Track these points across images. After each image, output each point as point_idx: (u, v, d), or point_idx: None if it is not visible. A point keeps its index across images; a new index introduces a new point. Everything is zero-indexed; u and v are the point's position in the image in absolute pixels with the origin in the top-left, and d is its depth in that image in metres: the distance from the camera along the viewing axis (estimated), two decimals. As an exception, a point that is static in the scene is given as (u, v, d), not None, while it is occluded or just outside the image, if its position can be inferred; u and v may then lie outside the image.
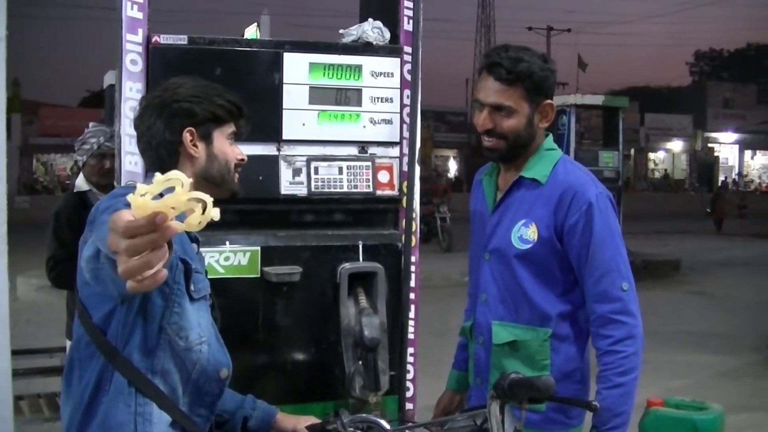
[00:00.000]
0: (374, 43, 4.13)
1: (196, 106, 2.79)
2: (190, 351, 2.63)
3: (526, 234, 3.23)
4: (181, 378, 2.66)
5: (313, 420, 3.15)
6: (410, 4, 4.20)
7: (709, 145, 62.96)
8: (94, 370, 2.61)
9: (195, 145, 2.80)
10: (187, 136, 2.78)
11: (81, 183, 5.69)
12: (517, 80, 3.16)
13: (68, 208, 5.41)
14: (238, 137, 2.96)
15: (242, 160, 2.97)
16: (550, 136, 3.37)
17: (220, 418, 2.99)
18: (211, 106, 2.81)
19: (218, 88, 2.89)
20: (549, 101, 3.24)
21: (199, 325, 2.68)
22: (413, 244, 4.15)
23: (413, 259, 4.17)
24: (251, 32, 4.31)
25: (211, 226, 3.80)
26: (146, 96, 2.91)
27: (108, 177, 5.54)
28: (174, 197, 1.81)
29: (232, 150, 2.92)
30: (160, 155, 2.80)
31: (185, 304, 2.62)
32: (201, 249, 3.82)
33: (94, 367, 2.60)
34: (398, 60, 4.17)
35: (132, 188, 2.32)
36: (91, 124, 5.86)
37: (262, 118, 3.95)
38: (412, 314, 4.20)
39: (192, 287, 2.65)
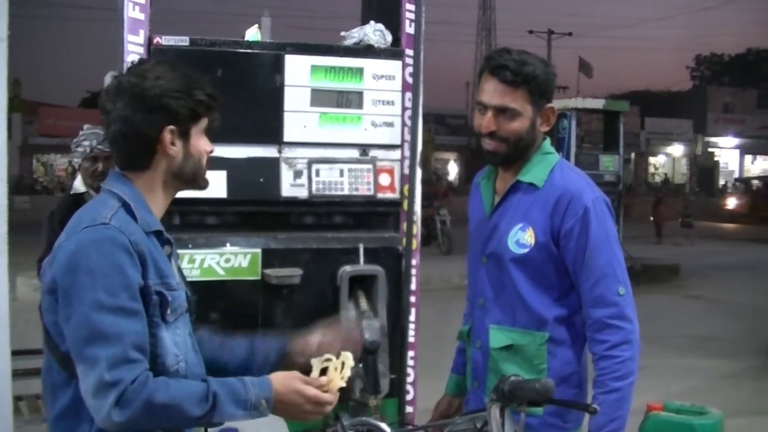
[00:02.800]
0: (376, 45, 4.14)
1: (177, 103, 2.62)
2: (167, 373, 2.57)
3: (522, 238, 3.22)
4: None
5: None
6: (412, 7, 4.20)
7: (710, 149, 62.94)
8: (67, 396, 2.56)
9: (173, 144, 2.65)
10: (166, 135, 2.62)
11: (78, 185, 5.66)
12: (522, 82, 3.14)
13: (62, 210, 5.36)
14: (209, 130, 2.80)
15: (211, 151, 2.81)
16: (548, 140, 3.36)
17: (235, 371, 2.88)
18: (192, 103, 2.66)
19: (197, 79, 2.73)
20: (551, 105, 3.24)
21: (175, 345, 2.62)
22: (414, 247, 4.15)
23: (414, 262, 4.17)
24: (252, 34, 4.30)
25: (211, 227, 3.81)
26: (119, 77, 2.68)
27: (101, 179, 5.51)
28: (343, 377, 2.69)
29: (205, 144, 2.75)
30: (135, 151, 2.65)
31: (160, 333, 2.57)
32: (200, 251, 3.82)
33: (69, 393, 2.55)
34: (400, 63, 4.17)
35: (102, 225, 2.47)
36: (85, 126, 5.81)
37: (264, 120, 3.96)
38: (412, 317, 4.20)
39: (168, 312, 2.59)
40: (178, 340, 2.63)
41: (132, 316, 2.45)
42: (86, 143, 5.58)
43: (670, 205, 31.41)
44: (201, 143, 2.73)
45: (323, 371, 2.70)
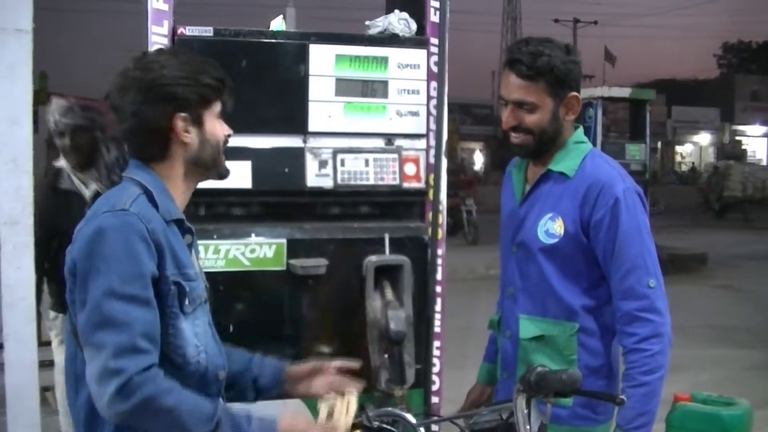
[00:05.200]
0: (401, 34, 4.12)
1: (185, 90, 2.60)
2: (188, 365, 2.59)
3: (552, 228, 3.19)
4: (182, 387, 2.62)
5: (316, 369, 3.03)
6: (437, -4, 4.18)
7: (737, 137, 62.53)
8: (86, 392, 2.53)
9: (187, 131, 2.63)
10: (179, 123, 2.61)
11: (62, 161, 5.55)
12: (538, 75, 3.11)
13: (41, 186, 5.13)
14: (224, 114, 2.77)
15: (229, 135, 2.78)
16: (580, 129, 3.32)
17: (228, 381, 2.91)
18: (199, 88, 2.63)
19: (202, 63, 2.70)
20: (574, 93, 3.19)
21: (195, 336, 2.62)
22: (440, 236, 4.14)
23: (440, 252, 4.16)
24: (277, 24, 4.30)
25: (236, 218, 3.81)
26: (125, 72, 2.65)
27: (72, 157, 5.43)
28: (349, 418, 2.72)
29: (221, 128, 2.74)
30: (150, 142, 2.64)
31: (180, 324, 2.57)
32: (225, 242, 3.82)
33: (88, 389, 2.51)
34: (425, 52, 4.16)
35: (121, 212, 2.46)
36: (53, 99, 5.65)
37: (288, 110, 3.95)
38: (438, 307, 4.19)
39: (186, 303, 2.59)
40: (197, 330, 2.63)
41: (144, 305, 2.44)
42: (50, 119, 5.39)
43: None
44: (217, 127, 2.71)
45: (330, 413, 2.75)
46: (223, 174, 2.80)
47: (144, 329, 2.42)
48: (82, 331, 2.45)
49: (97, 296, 2.40)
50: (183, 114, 2.61)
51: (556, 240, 3.18)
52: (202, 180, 2.78)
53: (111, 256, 2.42)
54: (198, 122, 2.65)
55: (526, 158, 3.34)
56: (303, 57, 3.97)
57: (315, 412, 3.00)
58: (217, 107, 2.71)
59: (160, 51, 2.75)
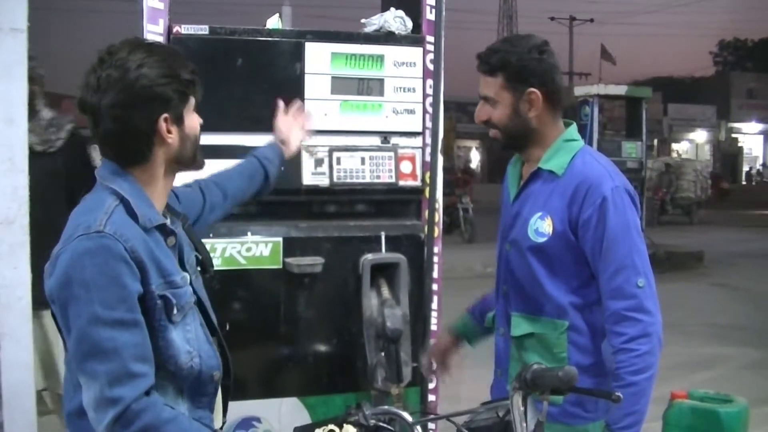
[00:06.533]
0: (396, 32, 4.12)
1: (167, 89, 2.51)
2: (181, 370, 2.57)
3: (541, 227, 3.19)
4: (175, 389, 2.60)
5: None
6: (432, -6, 4.18)
7: (733, 135, 62.61)
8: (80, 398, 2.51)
9: (170, 132, 2.54)
10: (162, 125, 2.52)
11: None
12: (494, 71, 3.18)
13: None
14: (197, 105, 2.68)
15: (200, 124, 2.71)
16: (573, 127, 3.32)
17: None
18: (180, 85, 2.54)
19: (174, 57, 2.59)
20: (532, 89, 3.19)
21: (187, 342, 2.59)
22: (436, 234, 4.14)
23: (436, 250, 4.16)
24: (273, 23, 4.30)
25: (233, 216, 3.81)
26: (97, 70, 2.51)
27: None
28: None
29: (197, 120, 2.68)
30: (131, 146, 2.54)
31: (169, 335, 2.53)
32: (221, 240, 3.82)
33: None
34: (421, 50, 4.16)
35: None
36: None
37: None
38: (434, 305, 4.19)
39: (174, 312, 2.54)
40: (189, 336, 2.60)
41: (131, 328, 2.39)
42: None
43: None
44: (194, 121, 2.66)
45: None
46: (200, 167, 2.78)
47: (135, 352, 2.38)
48: (73, 358, 2.42)
49: (82, 325, 2.36)
50: (165, 115, 2.53)
51: (545, 239, 3.18)
52: (178, 173, 2.73)
53: (90, 283, 2.36)
54: (179, 120, 2.58)
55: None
56: (299, 55, 3.97)
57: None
58: (192, 101, 2.63)
59: (130, 45, 2.55)
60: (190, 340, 2.60)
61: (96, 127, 2.55)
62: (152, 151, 2.56)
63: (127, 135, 2.52)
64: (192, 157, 2.67)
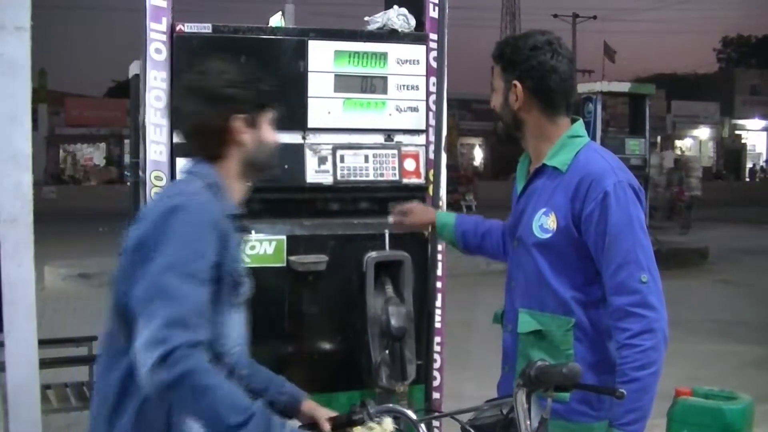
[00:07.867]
0: (399, 30, 4.12)
1: (245, 93, 2.77)
2: (224, 356, 2.67)
3: (546, 223, 3.19)
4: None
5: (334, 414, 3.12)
6: (435, -9, 4.18)
7: (737, 132, 62.47)
8: (121, 369, 2.60)
9: (244, 132, 2.78)
10: (237, 124, 2.76)
11: None
12: (495, 59, 3.28)
13: None
14: (273, 122, 2.94)
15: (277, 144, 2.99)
16: (579, 123, 3.32)
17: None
18: (257, 92, 2.82)
19: (258, 71, 2.89)
20: (515, 82, 3.22)
21: (235, 330, 2.75)
22: (439, 232, 4.13)
23: (440, 247, 4.16)
24: (276, 21, 4.30)
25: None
26: (184, 78, 2.91)
27: None
28: None
29: (274, 134, 2.91)
30: (209, 142, 2.79)
31: (229, 314, 2.70)
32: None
33: (123, 365, 2.59)
34: (424, 47, 4.16)
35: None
36: None
37: (288, 106, 3.93)
38: (438, 303, 4.19)
39: (238, 295, 2.74)
40: (237, 326, 2.77)
41: (200, 285, 2.51)
42: None
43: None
44: (271, 133, 2.87)
45: None
46: (272, 174, 3.03)
47: (197, 307, 2.48)
48: (138, 302, 2.50)
49: (158, 270, 2.47)
50: (241, 115, 2.76)
51: (549, 235, 3.18)
52: (254, 179, 2.92)
53: (177, 234, 2.51)
54: (254, 124, 2.81)
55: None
56: (302, 53, 3.97)
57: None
58: (270, 113, 2.87)
59: (218, 58, 2.87)
60: (237, 331, 2.77)
61: (181, 126, 2.94)
62: (228, 148, 2.79)
63: (204, 130, 2.78)
64: (266, 163, 2.90)
